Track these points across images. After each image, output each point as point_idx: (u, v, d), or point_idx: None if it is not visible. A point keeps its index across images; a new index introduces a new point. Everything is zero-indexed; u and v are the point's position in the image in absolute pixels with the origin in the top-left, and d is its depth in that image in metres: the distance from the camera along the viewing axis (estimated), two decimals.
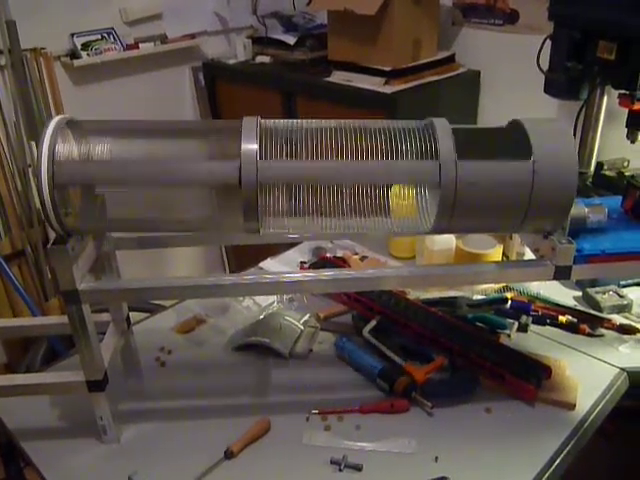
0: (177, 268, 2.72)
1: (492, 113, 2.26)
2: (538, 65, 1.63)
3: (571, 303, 1.35)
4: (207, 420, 1.08)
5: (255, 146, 0.82)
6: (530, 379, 1.07)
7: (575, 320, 1.29)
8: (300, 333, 1.28)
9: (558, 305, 1.33)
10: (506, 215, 0.87)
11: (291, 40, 2.47)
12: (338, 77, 2.12)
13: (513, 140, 0.87)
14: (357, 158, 0.83)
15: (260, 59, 2.51)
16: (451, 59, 2.20)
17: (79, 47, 2.12)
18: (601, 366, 1.16)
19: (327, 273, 0.93)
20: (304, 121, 0.88)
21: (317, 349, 1.26)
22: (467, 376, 1.12)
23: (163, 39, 2.37)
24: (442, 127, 0.86)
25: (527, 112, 1.98)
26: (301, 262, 1.52)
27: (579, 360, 1.18)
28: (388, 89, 1.96)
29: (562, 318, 1.29)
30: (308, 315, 1.34)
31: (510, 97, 2.16)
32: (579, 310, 1.31)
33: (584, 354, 1.20)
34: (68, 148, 0.87)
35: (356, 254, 1.57)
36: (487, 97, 2.26)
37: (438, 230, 0.89)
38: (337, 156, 0.84)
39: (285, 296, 1.41)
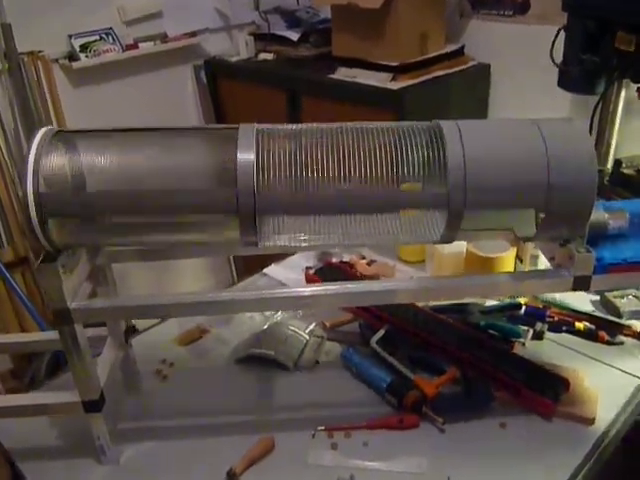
0: (182, 272, 2.68)
1: (503, 107, 2.20)
2: (551, 58, 1.56)
3: (588, 308, 1.29)
4: (209, 438, 1.03)
5: (252, 170, 0.77)
6: (547, 393, 1.02)
7: (593, 327, 1.24)
8: (305, 343, 1.23)
9: (575, 311, 1.28)
10: (520, 223, 0.82)
11: (294, 36, 2.42)
12: (343, 74, 2.06)
13: (527, 141, 0.81)
14: (360, 174, 0.78)
15: (263, 56, 2.46)
16: (460, 52, 2.14)
17: (77, 49, 2.08)
18: (621, 376, 1.11)
19: (332, 287, 0.88)
20: (303, 127, 0.83)
21: (323, 360, 1.21)
22: (481, 389, 1.06)
23: (163, 38, 2.32)
24: (450, 133, 0.81)
25: (540, 106, 1.95)
26: (306, 268, 1.47)
27: (598, 370, 1.13)
28: (395, 85, 1.91)
29: (579, 325, 1.24)
30: (314, 324, 1.29)
31: (522, 91, 2.10)
32: (597, 316, 1.25)
33: (603, 363, 1.14)
34: (56, 162, 0.82)
35: (363, 258, 1.51)
36: (498, 91, 2.20)
37: (447, 239, 0.84)
38: (339, 174, 0.79)
39: None
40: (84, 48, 2.09)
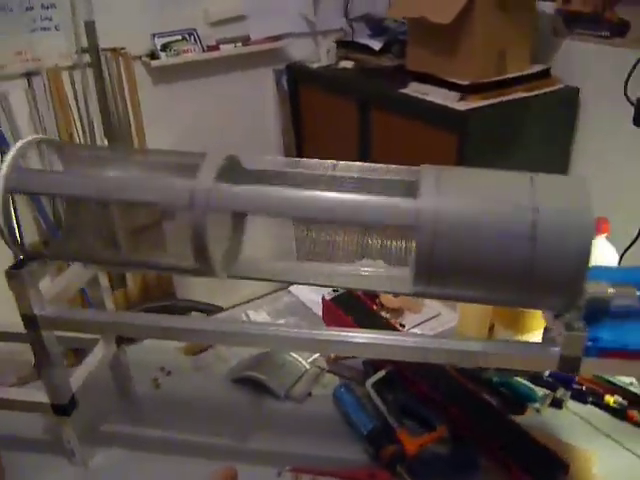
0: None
1: (591, 138, 2.00)
2: (625, 93, 1.38)
3: (627, 380, 1.13)
4: (176, 456, 1.02)
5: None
6: (540, 475, 0.90)
7: (625, 403, 1.08)
8: (303, 373, 1.18)
9: (609, 381, 1.12)
10: (497, 284, 0.72)
11: (376, 45, 2.35)
12: (414, 89, 1.98)
13: (513, 204, 0.71)
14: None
15: (343, 64, 2.42)
16: (546, 73, 1.97)
17: (159, 47, 2.15)
18: None
19: (354, 335, 0.81)
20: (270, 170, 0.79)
21: (317, 393, 1.16)
22: (467, 456, 0.96)
23: (245, 41, 2.35)
24: (427, 189, 0.72)
25: (632, 139, 1.74)
26: (323, 296, 1.39)
27: (616, 455, 0.98)
28: (462, 105, 1.79)
29: (609, 398, 1.08)
30: (317, 354, 1.24)
31: (614, 122, 1.89)
32: (632, 392, 1.09)
33: (624, 448, 0.99)
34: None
35: None
36: (586, 120, 2.00)
37: (420, 294, 0.76)
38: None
39: (300, 322, 1.32)
40: (165, 47, 2.17)
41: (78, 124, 2.09)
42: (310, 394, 1.15)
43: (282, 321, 1.33)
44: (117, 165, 0.81)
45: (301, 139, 2.60)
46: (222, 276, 0.81)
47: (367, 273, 0.78)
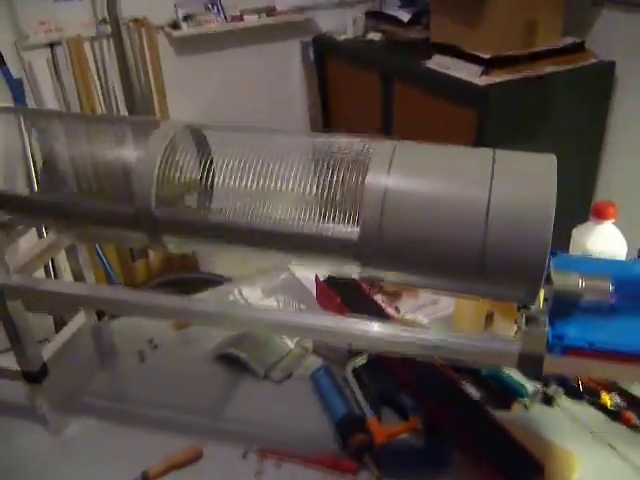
0: None
1: (628, 119, 1.86)
2: None
3: None
4: (149, 432, 1.02)
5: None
6: (512, 476, 0.85)
7: (623, 404, 1.00)
8: (287, 353, 1.15)
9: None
10: (449, 270, 0.67)
11: (405, 16, 2.26)
12: (436, 62, 1.88)
13: (472, 169, 0.66)
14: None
15: (371, 36, 2.34)
16: (579, 47, 1.84)
17: (181, 18, 2.13)
18: (631, 473, 0.89)
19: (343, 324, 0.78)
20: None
21: (299, 375, 1.13)
22: (439, 450, 0.92)
23: (270, 11, 2.29)
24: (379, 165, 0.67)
25: None
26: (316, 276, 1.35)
27: (604, 459, 0.91)
28: (483, 80, 1.69)
29: (605, 397, 1.01)
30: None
31: None
32: (631, 394, 1.01)
33: (613, 450, 0.93)
34: None
35: None
36: (623, 98, 1.86)
37: (367, 277, 0.71)
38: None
39: (292, 300, 1.29)
40: (187, 17, 2.14)
41: (99, 94, 2.10)
42: (291, 375, 1.12)
43: (271, 299, 1.30)
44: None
45: (327, 111, 2.55)
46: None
47: None
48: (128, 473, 0.93)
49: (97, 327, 1.12)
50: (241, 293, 1.35)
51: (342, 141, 0.73)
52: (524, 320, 0.67)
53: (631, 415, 0.98)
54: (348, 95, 2.39)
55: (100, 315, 1.11)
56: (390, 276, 0.69)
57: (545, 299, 0.69)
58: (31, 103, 2.03)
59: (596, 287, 0.67)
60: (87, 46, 2.04)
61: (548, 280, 0.69)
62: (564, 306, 0.68)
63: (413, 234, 0.65)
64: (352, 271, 0.72)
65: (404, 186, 0.66)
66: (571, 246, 1.12)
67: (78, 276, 1.07)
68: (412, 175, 0.66)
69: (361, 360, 1.07)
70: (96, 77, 2.07)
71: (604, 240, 1.06)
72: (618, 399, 1.01)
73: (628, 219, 1.12)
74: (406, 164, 0.67)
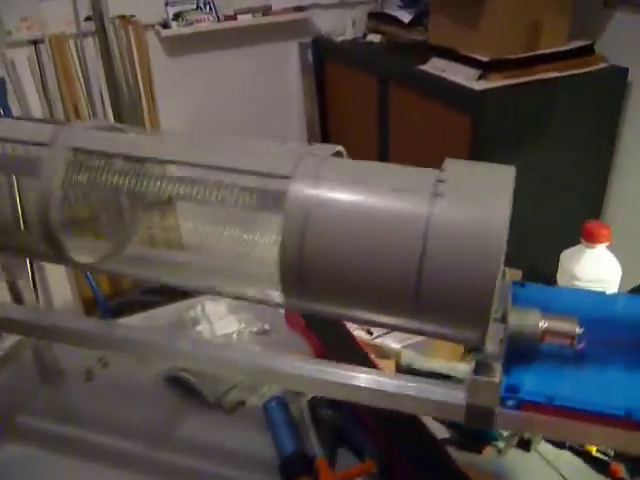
0: None
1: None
2: None
3: None
4: (82, 461, 0.92)
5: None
6: None
7: (611, 452, 0.89)
8: (242, 379, 1.05)
9: None
10: (381, 303, 0.56)
11: (406, 17, 2.15)
12: (433, 65, 1.78)
13: (411, 190, 0.55)
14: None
15: (371, 38, 2.23)
16: (588, 50, 1.71)
17: (170, 16, 2.05)
18: None
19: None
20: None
21: (253, 404, 1.03)
22: None
23: (266, 11, 2.20)
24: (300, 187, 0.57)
25: None
26: None
27: None
28: (480, 84, 1.58)
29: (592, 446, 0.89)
30: None
31: None
32: None
33: None
34: None
35: None
36: (637, 105, 1.73)
37: (292, 307, 0.61)
38: None
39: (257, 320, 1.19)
40: (178, 16, 2.06)
41: (84, 94, 2.03)
42: (244, 403, 1.02)
43: (233, 317, 1.20)
44: None
45: (325, 115, 2.45)
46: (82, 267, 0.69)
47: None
48: None
49: (37, 345, 1.03)
50: (203, 309, 1.25)
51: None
52: (473, 366, 0.56)
53: (619, 467, 0.86)
54: (346, 98, 2.29)
55: None
56: (316, 307, 0.59)
57: (501, 341, 0.58)
58: (14, 102, 1.97)
59: (559, 329, 0.56)
60: (71, 44, 1.97)
61: (504, 318, 0.58)
62: (524, 350, 0.57)
63: (339, 258, 0.54)
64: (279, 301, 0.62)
65: (331, 203, 0.55)
66: (559, 272, 1.01)
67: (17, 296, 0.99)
68: (341, 191, 0.56)
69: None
70: (80, 76, 2.00)
71: (594, 266, 0.95)
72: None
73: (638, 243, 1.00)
74: (335, 179, 0.56)
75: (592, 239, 0.94)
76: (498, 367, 0.56)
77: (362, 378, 0.62)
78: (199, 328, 1.19)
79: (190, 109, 2.25)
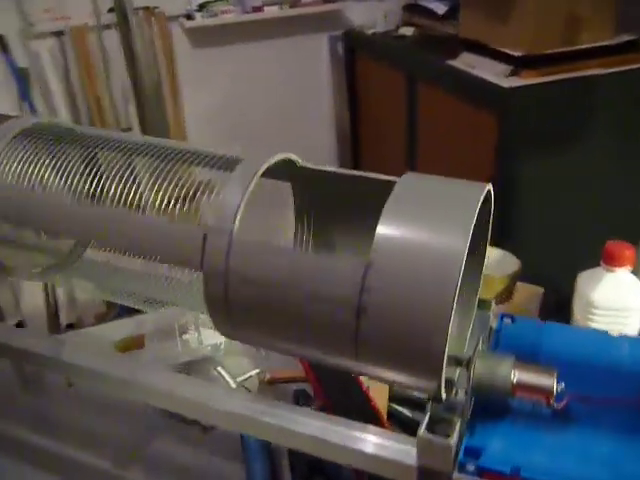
0: None
1: None
2: None
3: None
4: (56, 471, 0.89)
5: None
6: None
7: None
8: None
9: None
10: (320, 339, 0.48)
11: (441, 9, 2.03)
12: (463, 61, 1.66)
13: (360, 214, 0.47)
14: None
15: (403, 31, 2.12)
16: (634, 45, 1.56)
17: (194, 8, 2.00)
18: None
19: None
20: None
21: None
22: None
23: (294, 2, 2.12)
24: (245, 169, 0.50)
25: None
26: None
27: None
28: (509, 82, 1.46)
29: None
30: (256, 371, 1.03)
31: None
32: None
33: None
34: None
35: None
36: None
37: (225, 334, 0.54)
38: None
39: None
40: (202, 7, 2.01)
41: (106, 86, 2.00)
42: None
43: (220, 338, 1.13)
44: None
45: (355, 111, 2.35)
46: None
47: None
48: None
49: None
50: (197, 318, 1.19)
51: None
52: (426, 421, 0.47)
53: None
54: (375, 94, 2.19)
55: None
56: (243, 337, 0.51)
57: (466, 392, 0.49)
58: (37, 93, 1.97)
59: (534, 384, 0.46)
60: (93, 35, 1.94)
61: (469, 364, 0.49)
62: (492, 405, 0.48)
63: (266, 286, 0.47)
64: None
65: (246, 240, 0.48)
66: (575, 297, 0.90)
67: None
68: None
69: None
70: (102, 68, 1.98)
71: (614, 292, 0.83)
72: None
73: None
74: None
75: (612, 261, 0.82)
76: (458, 423, 0.47)
77: (307, 423, 0.54)
78: (186, 337, 1.13)
79: (215, 102, 2.20)
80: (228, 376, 1.01)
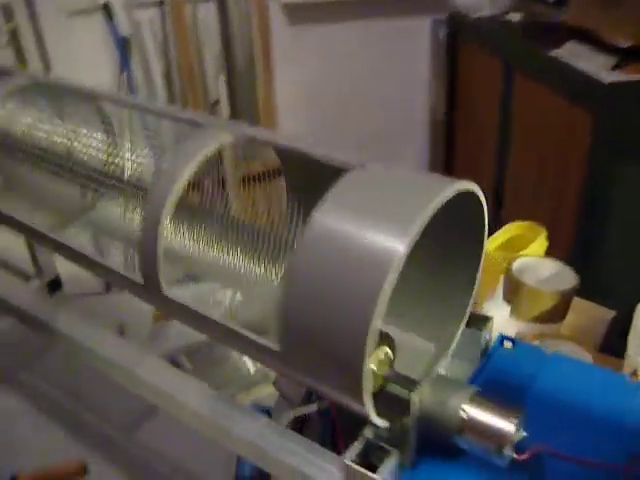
0: None
1: None
2: None
3: None
4: (47, 430, 0.91)
5: None
6: None
7: None
8: (242, 377, 0.96)
9: None
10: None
11: None
12: (568, 50, 1.49)
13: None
14: None
15: (510, 16, 1.96)
16: None
17: None
18: None
19: None
20: None
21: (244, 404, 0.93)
22: None
23: None
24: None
25: None
26: None
27: None
28: (612, 76, 1.29)
29: None
30: None
31: None
32: None
33: None
34: None
35: None
36: None
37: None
38: None
39: None
40: None
41: (198, 60, 2.03)
42: None
43: None
44: None
45: (452, 102, 2.22)
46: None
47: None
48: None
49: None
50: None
51: None
52: (355, 446, 0.41)
53: None
54: (474, 82, 2.05)
55: (54, 287, 1.02)
56: None
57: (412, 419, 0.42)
58: (136, 62, 2.04)
59: (486, 424, 0.38)
60: (191, 7, 1.97)
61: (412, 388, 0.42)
62: (443, 443, 0.41)
63: None
64: None
65: None
66: (631, 329, 0.78)
67: None
68: None
69: (303, 411, 0.84)
70: (195, 41, 2.01)
71: None
72: None
73: None
74: None
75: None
76: (394, 455, 0.40)
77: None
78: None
79: (307, 81, 2.17)
80: (246, 358, 0.99)
